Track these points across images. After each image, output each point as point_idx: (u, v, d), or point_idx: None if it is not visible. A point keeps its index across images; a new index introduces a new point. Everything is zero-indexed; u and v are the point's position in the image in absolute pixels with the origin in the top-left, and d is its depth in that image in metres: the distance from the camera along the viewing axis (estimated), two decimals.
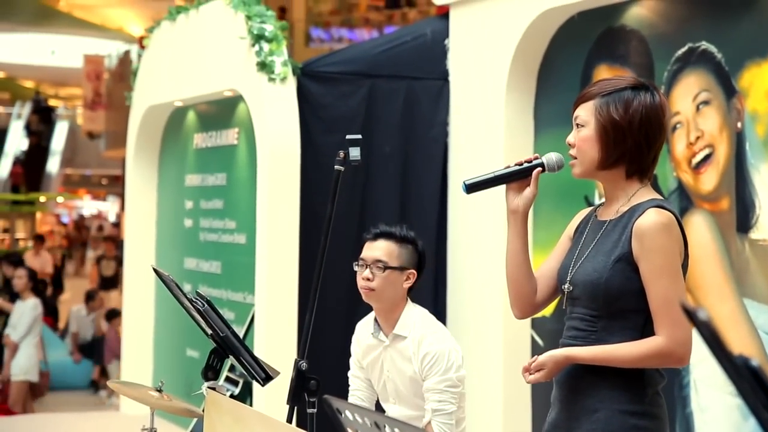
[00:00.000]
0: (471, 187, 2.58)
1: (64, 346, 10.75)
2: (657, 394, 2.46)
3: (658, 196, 2.50)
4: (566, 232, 2.67)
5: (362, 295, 3.52)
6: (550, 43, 5.19)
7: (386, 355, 3.52)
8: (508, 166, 2.59)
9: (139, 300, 7.39)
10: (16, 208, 23.94)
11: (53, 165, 25.98)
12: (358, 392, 3.64)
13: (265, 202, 5.45)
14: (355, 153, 3.00)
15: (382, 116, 5.72)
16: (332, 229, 3.08)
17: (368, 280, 3.46)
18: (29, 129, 26.38)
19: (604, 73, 4.83)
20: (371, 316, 3.60)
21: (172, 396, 3.35)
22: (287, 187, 5.43)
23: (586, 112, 2.49)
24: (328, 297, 4.85)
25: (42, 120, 26.22)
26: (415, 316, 3.50)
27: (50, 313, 12.49)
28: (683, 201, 4.34)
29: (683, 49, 4.38)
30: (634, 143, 2.45)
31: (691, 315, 1.22)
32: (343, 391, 3.60)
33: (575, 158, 2.51)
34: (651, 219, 2.39)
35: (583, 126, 2.49)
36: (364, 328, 3.63)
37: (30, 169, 24.69)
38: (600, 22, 4.88)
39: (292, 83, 5.51)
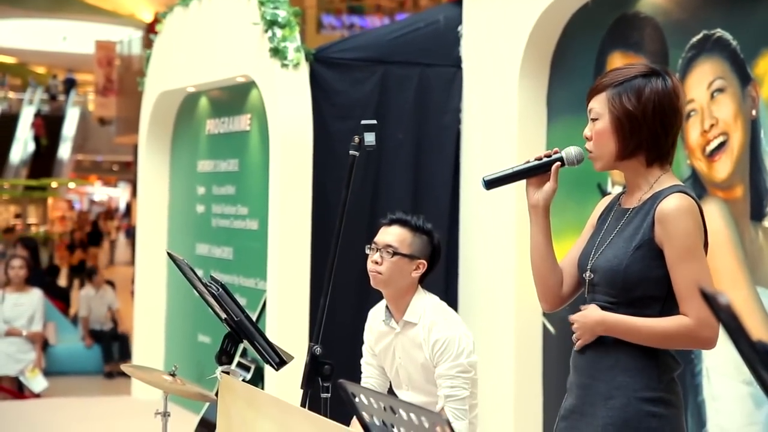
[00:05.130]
0: (490, 183, 2.56)
1: (76, 331, 10.78)
2: (673, 380, 2.45)
3: (680, 183, 2.49)
4: (590, 221, 2.66)
5: (370, 279, 3.52)
6: (563, 30, 5.17)
7: (398, 342, 3.51)
8: (528, 161, 2.58)
9: (151, 285, 7.41)
10: (28, 193, 24.06)
11: (65, 151, 26.06)
12: (370, 379, 3.64)
13: (277, 187, 5.45)
14: (370, 138, 2.99)
15: (395, 103, 5.71)
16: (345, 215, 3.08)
17: (376, 263, 3.45)
18: (48, 91, 26.78)
19: (617, 60, 4.80)
20: (383, 303, 3.59)
21: (185, 380, 3.36)
22: (299, 173, 5.43)
23: (599, 105, 2.48)
24: (340, 282, 4.85)
25: (63, 85, 26.71)
26: (425, 303, 3.49)
27: (62, 299, 12.52)
28: (697, 189, 4.32)
29: (698, 37, 4.35)
30: (650, 131, 2.43)
31: (710, 300, 1.21)
32: (354, 377, 3.60)
33: (593, 152, 2.50)
34: (674, 203, 2.38)
35: (597, 119, 2.48)
36: (376, 315, 3.62)
37: (49, 124, 25.06)
38: (614, 9, 4.86)
39: (304, 69, 5.50)
